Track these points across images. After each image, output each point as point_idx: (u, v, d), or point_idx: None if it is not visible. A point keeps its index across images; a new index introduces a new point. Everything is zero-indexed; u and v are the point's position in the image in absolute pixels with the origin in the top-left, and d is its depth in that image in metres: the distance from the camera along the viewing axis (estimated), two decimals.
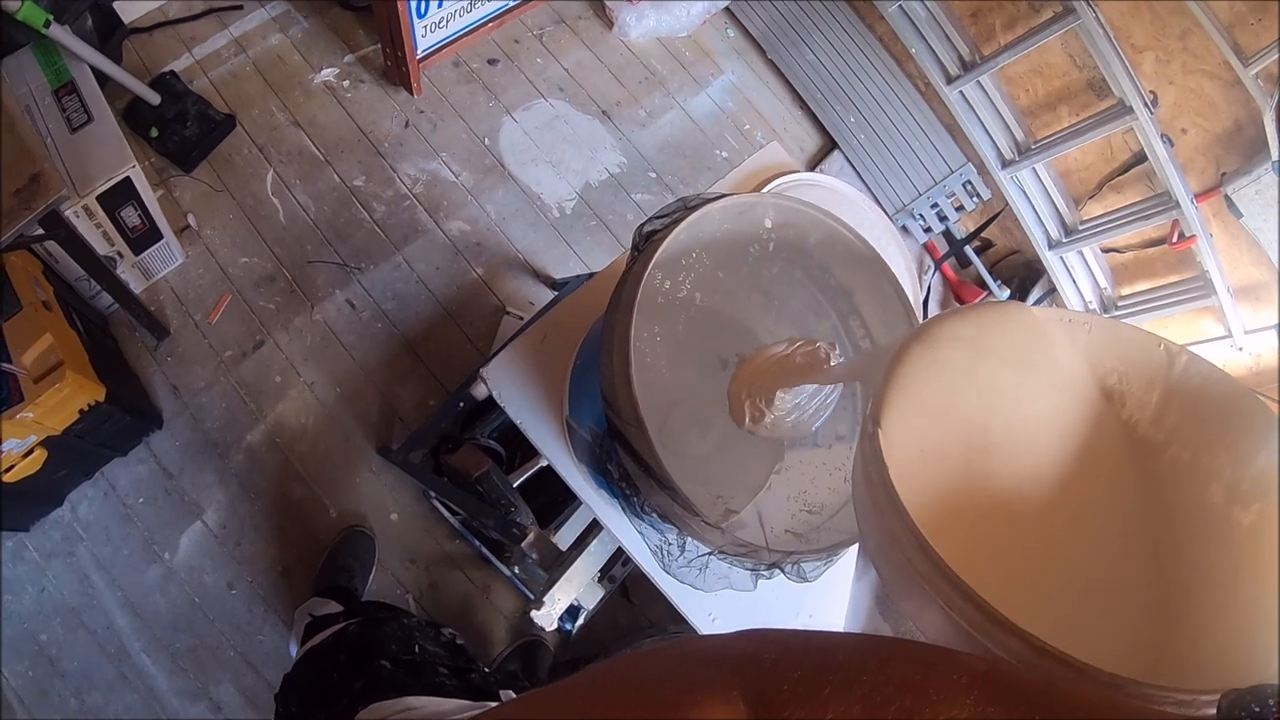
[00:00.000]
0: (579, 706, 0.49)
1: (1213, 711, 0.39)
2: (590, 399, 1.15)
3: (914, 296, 1.43)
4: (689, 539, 1.05)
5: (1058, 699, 0.40)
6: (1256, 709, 0.36)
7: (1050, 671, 0.48)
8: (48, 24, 1.89)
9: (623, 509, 1.10)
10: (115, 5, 2.39)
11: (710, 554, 1.05)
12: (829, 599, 1.38)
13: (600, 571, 1.81)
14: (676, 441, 0.99)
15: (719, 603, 1.40)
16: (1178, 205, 2.60)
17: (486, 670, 1.36)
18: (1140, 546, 0.65)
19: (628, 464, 1.00)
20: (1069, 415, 0.70)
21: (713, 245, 1.14)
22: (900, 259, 1.85)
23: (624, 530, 1.35)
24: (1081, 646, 0.48)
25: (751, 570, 1.04)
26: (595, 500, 1.36)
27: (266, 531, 2.17)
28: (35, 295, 1.75)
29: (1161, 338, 0.70)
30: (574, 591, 1.70)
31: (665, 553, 1.10)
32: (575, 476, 1.36)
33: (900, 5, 2.93)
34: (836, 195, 1.88)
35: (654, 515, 1.04)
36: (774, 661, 0.43)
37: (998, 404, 0.69)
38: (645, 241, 1.05)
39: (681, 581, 1.11)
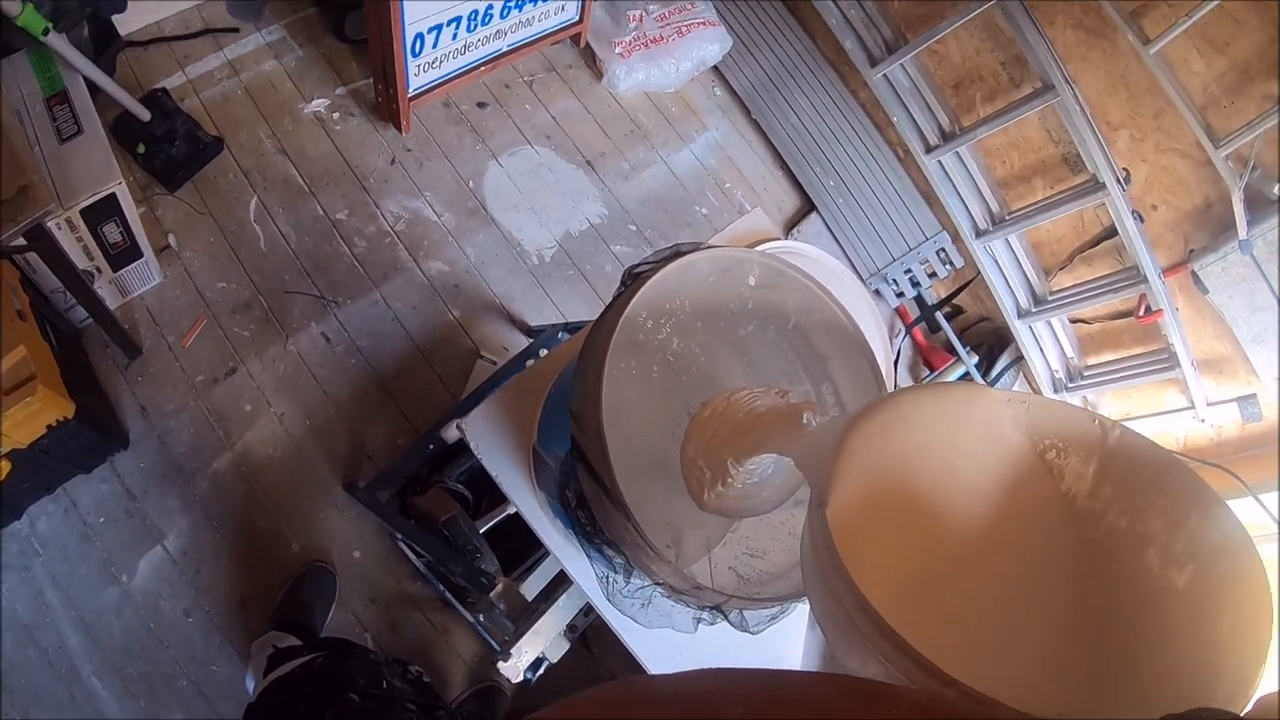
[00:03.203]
0: None
1: None
2: (559, 429, 1.16)
3: (886, 367, 1.46)
4: (635, 572, 1.06)
5: None
6: None
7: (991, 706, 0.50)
8: (46, 31, 1.89)
9: (576, 537, 1.11)
10: (113, 17, 2.39)
11: (655, 587, 1.06)
12: (786, 657, 1.39)
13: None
14: (634, 474, 1.00)
15: (682, 658, 1.40)
16: (1146, 280, 2.66)
17: (453, 707, 1.35)
18: (1082, 609, 0.67)
19: (585, 485, 1.02)
20: (1012, 487, 0.73)
21: (696, 295, 1.16)
22: (875, 329, 1.87)
23: (579, 569, 1.35)
24: (1022, 703, 0.49)
25: (695, 610, 1.05)
26: (558, 543, 1.36)
27: (227, 561, 2.15)
28: (11, 305, 1.73)
29: (1095, 413, 0.74)
30: (542, 644, 1.68)
31: (610, 583, 1.11)
32: (546, 527, 1.37)
33: (884, 74, 3.00)
34: (816, 264, 1.91)
35: (604, 545, 1.05)
36: (722, 698, 0.44)
37: (944, 476, 0.71)
38: (633, 281, 1.07)
39: (623, 613, 1.12)
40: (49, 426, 1.79)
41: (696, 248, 1.08)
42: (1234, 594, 0.61)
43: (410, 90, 2.64)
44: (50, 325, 1.94)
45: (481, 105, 2.99)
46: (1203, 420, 2.78)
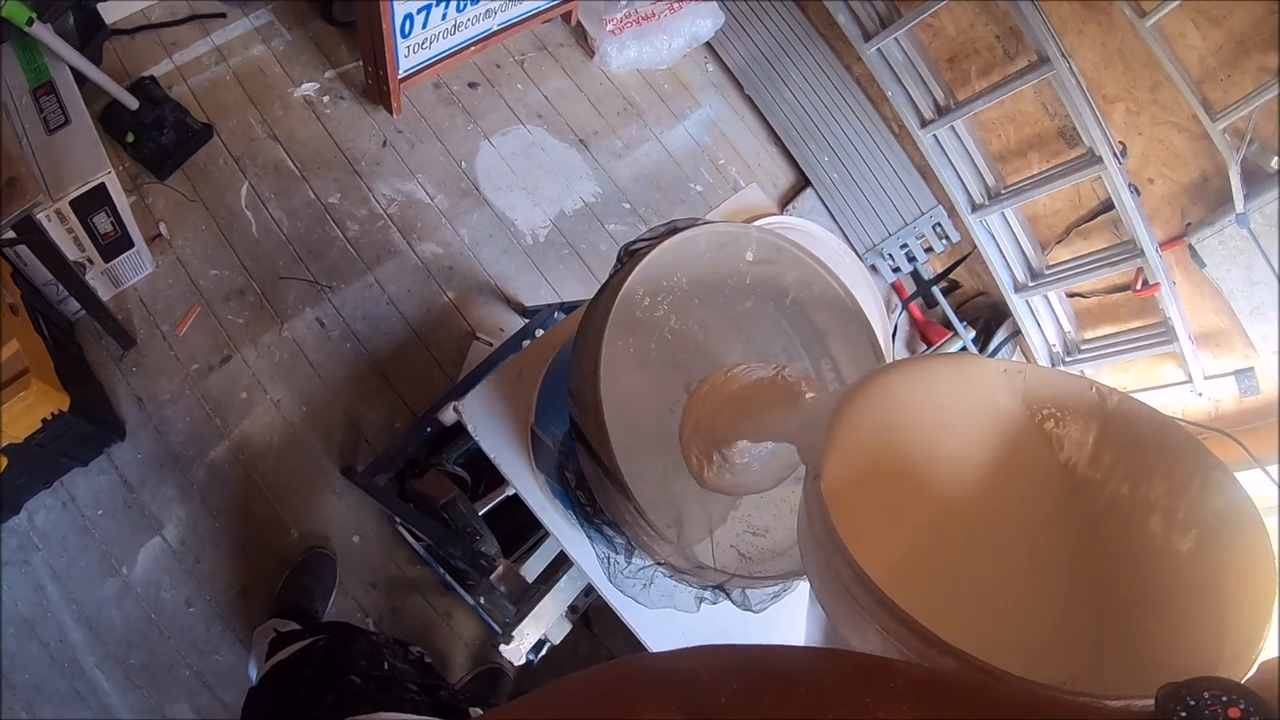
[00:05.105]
0: None
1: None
2: (558, 409, 1.16)
3: (885, 341, 1.46)
4: (637, 552, 1.06)
5: (996, 700, 0.40)
6: (1192, 702, 0.37)
7: (989, 678, 0.49)
8: (30, 21, 1.87)
9: (576, 517, 1.11)
10: (98, 6, 2.35)
11: (657, 567, 1.05)
12: (789, 636, 1.38)
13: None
14: (634, 453, 1.00)
15: (684, 638, 1.39)
16: (1143, 253, 2.65)
17: (456, 688, 1.35)
18: (1083, 576, 0.67)
19: (585, 464, 1.01)
20: (1010, 456, 0.72)
21: (694, 271, 1.15)
22: (873, 304, 1.86)
23: (580, 550, 1.35)
24: (1024, 671, 0.49)
25: (697, 590, 1.05)
26: (559, 524, 1.36)
27: (227, 550, 2.15)
28: (3, 299, 1.72)
29: (1093, 381, 0.73)
30: (544, 626, 1.67)
31: (611, 563, 1.10)
32: (545, 508, 1.36)
33: (878, 48, 2.98)
34: (812, 240, 1.90)
35: (604, 525, 1.05)
36: (714, 676, 0.44)
37: (941, 448, 0.71)
38: (629, 258, 1.06)
39: (625, 594, 1.12)
40: (44, 420, 1.79)
41: (693, 223, 1.07)
42: (1237, 559, 0.61)
43: (400, 72, 2.61)
44: (43, 318, 1.93)
45: (473, 85, 2.97)
46: (1200, 394, 2.78)
